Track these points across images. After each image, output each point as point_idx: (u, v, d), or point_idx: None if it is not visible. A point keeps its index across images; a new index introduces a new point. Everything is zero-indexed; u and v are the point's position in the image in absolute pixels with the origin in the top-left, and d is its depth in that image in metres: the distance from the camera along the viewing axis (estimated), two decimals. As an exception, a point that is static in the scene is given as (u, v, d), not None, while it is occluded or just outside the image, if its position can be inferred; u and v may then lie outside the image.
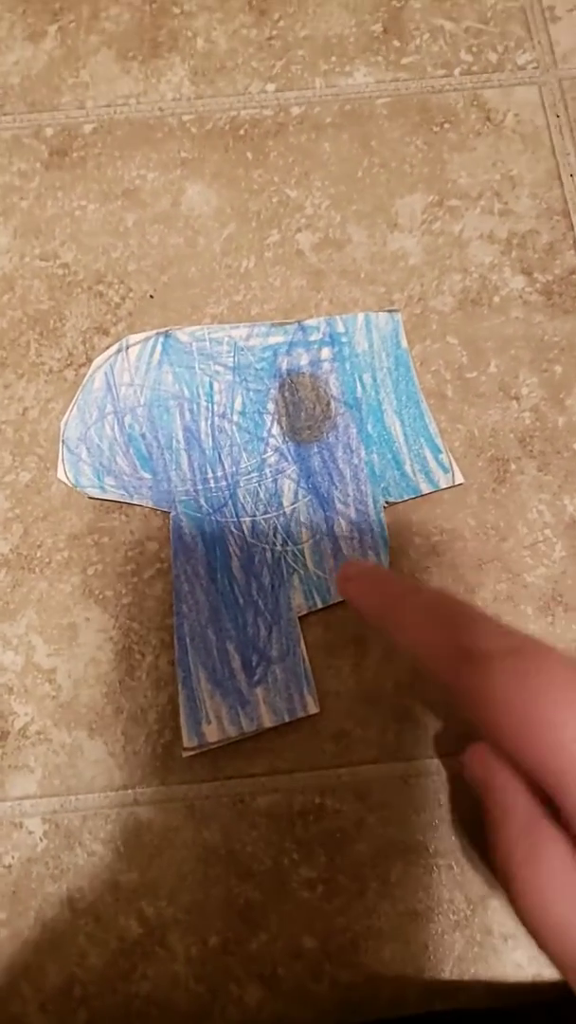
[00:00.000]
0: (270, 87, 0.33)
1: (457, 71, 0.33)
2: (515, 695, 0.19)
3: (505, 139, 0.32)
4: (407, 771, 0.27)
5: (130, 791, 0.27)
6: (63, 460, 0.29)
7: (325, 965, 0.26)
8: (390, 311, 0.30)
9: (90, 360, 0.30)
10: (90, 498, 0.29)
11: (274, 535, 0.28)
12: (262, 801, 0.27)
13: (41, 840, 0.27)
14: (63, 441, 0.29)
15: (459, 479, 0.29)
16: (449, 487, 0.29)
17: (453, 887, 0.26)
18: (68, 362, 0.30)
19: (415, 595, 0.22)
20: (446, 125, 0.32)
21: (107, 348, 0.30)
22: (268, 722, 0.27)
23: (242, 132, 0.33)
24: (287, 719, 0.27)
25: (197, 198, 0.32)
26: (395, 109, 0.33)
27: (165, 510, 0.29)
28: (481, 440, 0.29)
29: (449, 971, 0.25)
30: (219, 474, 0.29)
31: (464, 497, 0.29)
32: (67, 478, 0.29)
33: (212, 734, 0.27)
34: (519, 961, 0.25)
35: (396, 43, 0.33)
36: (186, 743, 0.27)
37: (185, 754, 0.27)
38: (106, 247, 0.31)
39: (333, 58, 0.33)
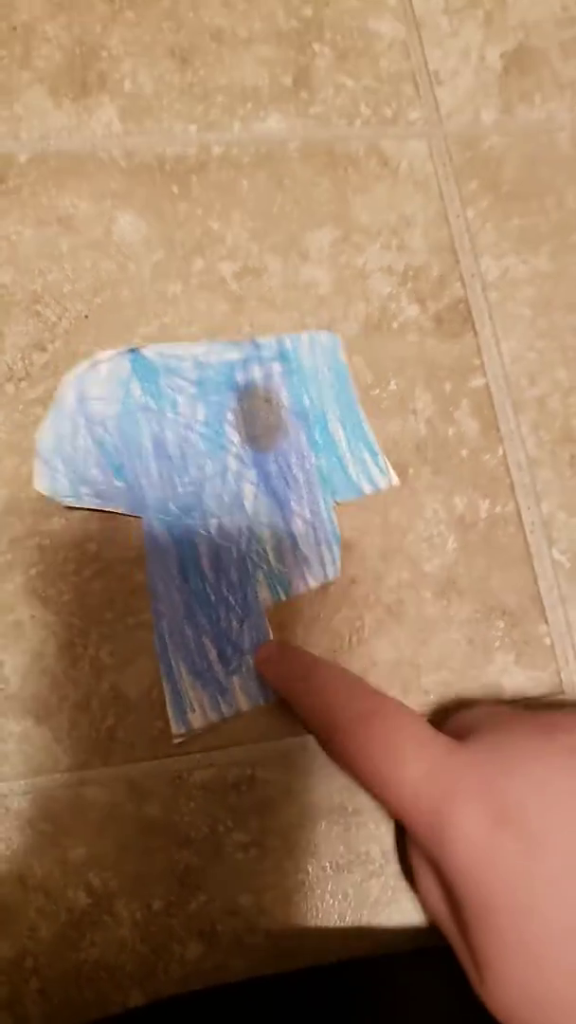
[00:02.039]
0: (192, 128, 0.33)
1: (358, 122, 0.34)
2: (364, 754, 0.22)
3: (400, 183, 0.34)
4: (328, 741, 0.28)
5: (76, 773, 0.27)
6: (38, 472, 0.28)
7: (259, 919, 0.26)
8: (330, 332, 0.31)
9: (29, 375, 0.30)
10: (66, 507, 0.29)
11: (239, 535, 0.29)
12: (199, 776, 0.27)
13: (-9, 823, 0.26)
14: (38, 453, 0.29)
15: (395, 480, 0.30)
16: (388, 488, 0.30)
17: (369, 841, 0.27)
18: (8, 376, 0.30)
19: (310, 674, 0.25)
20: (349, 169, 0.34)
21: (44, 363, 0.30)
22: (244, 706, 0.27)
23: (168, 168, 0.33)
24: (261, 703, 0.27)
25: (127, 227, 0.32)
26: (305, 153, 0.34)
27: (137, 515, 0.29)
28: (385, 448, 0.30)
29: (367, 914, 0.27)
30: (186, 480, 0.29)
31: (371, 498, 0.30)
32: (44, 488, 0.28)
33: (196, 721, 0.27)
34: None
35: (304, 95, 0.34)
36: (175, 731, 0.27)
37: (175, 740, 0.27)
38: (42, 270, 0.31)
39: (249, 105, 0.34)
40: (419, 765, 0.22)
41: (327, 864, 0.27)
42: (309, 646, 0.28)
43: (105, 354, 0.30)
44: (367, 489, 0.30)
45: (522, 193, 0.34)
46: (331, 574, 0.29)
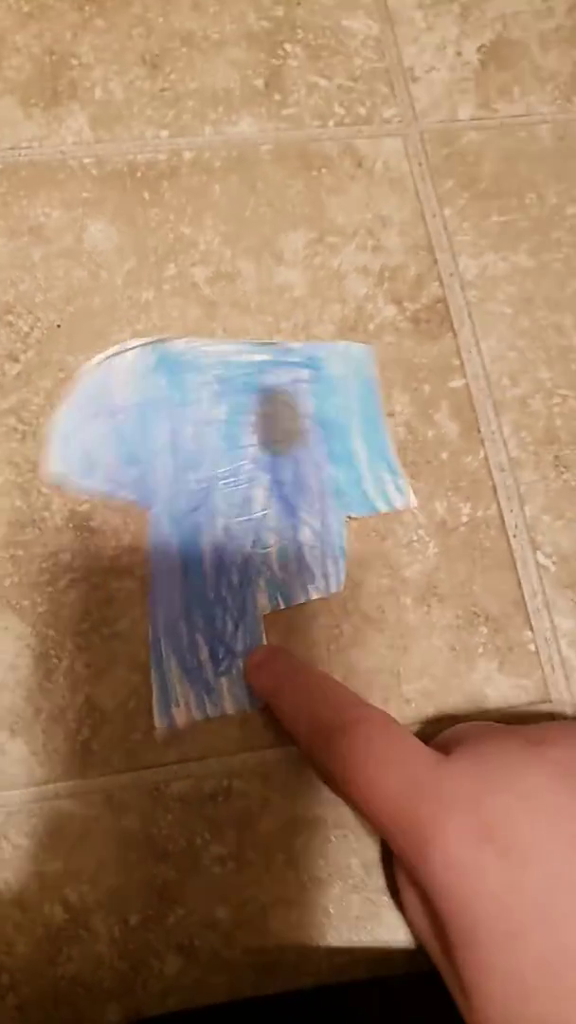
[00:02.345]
0: (163, 133, 0.33)
1: (331, 122, 0.34)
2: (346, 765, 0.22)
3: (375, 183, 0.33)
4: (305, 752, 0.27)
5: (51, 786, 0.26)
6: (52, 454, 0.28)
7: (237, 933, 0.26)
8: (365, 344, 0.31)
9: (2, 385, 0.29)
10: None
11: (244, 537, 0.28)
12: (175, 787, 0.27)
13: (-34, 838, 0.26)
14: (54, 435, 0.28)
15: (413, 502, 0.29)
16: (404, 508, 0.29)
17: (350, 854, 0.26)
18: (-20, 388, 0.30)
19: (296, 680, 0.25)
20: (323, 170, 0.33)
21: (16, 373, 0.29)
22: (230, 709, 0.27)
23: (139, 174, 0.32)
24: (248, 708, 0.27)
25: (99, 235, 0.32)
26: (277, 155, 0.33)
27: (145, 506, 0.28)
28: (363, 452, 0.30)
29: (348, 929, 0.26)
30: (198, 476, 0.29)
31: (349, 503, 0.29)
32: (56, 470, 0.28)
33: (180, 717, 0.27)
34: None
35: (277, 96, 0.34)
36: (157, 723, 0.27)
37: (156, 733, 0.27)
38: (14, 280, 0.31)
39: (220, 108, 0.33)
40: (401, 777, 0.21)
41: (306, 878, 0.26)
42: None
43: (134, 342, 0.30)
44: (382, 507, 0.29)
45: (501, 190, 0.33)
46: (333, 588, 0.28)
